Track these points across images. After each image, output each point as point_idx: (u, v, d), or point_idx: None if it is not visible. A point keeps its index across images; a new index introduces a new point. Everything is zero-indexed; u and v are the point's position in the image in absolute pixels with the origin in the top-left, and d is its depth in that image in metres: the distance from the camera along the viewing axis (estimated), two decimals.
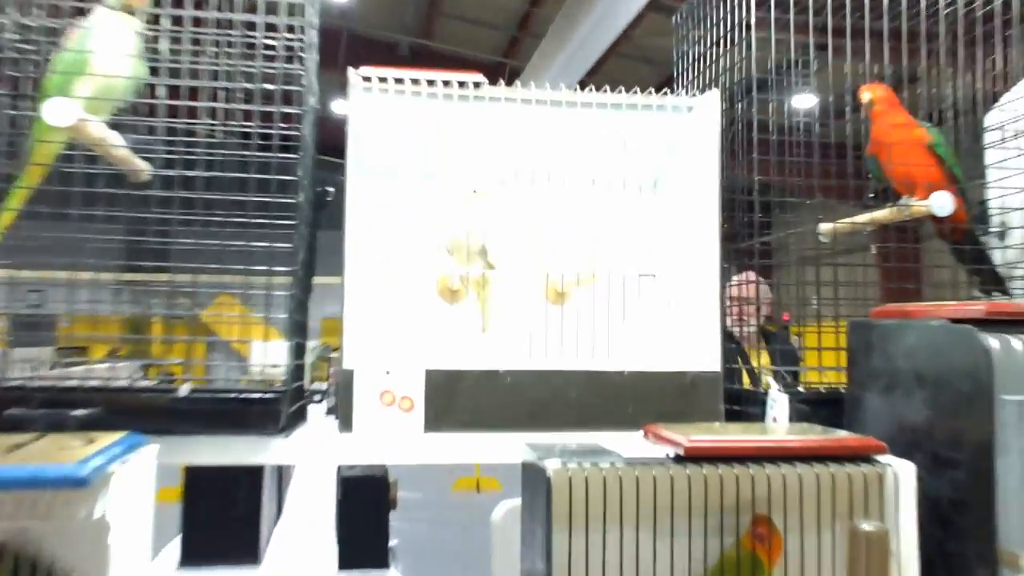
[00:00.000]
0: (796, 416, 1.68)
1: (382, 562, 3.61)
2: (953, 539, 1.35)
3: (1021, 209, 1.99)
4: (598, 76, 10.22)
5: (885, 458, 1.37)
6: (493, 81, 1.80)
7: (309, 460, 1.61)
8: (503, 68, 14.13)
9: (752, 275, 2.10)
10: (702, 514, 1.40)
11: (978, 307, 1.38)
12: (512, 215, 1.75)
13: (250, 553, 3.48)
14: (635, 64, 12.48)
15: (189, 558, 3.30)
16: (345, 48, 14.23)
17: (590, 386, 1.68)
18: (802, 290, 2.02)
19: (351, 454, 1.60)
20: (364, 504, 3.63)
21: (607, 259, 1.76)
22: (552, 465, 1.31)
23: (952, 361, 1.37)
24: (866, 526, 1.28)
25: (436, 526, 7.31)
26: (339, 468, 3.72)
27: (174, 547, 3.30)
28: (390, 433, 1.60)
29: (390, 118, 1.70)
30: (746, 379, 2.09)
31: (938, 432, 1.40)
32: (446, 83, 1.73)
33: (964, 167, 2.07)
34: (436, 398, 1.63)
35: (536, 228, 1.76)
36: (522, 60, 12.96)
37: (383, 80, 1.70)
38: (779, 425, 1.64)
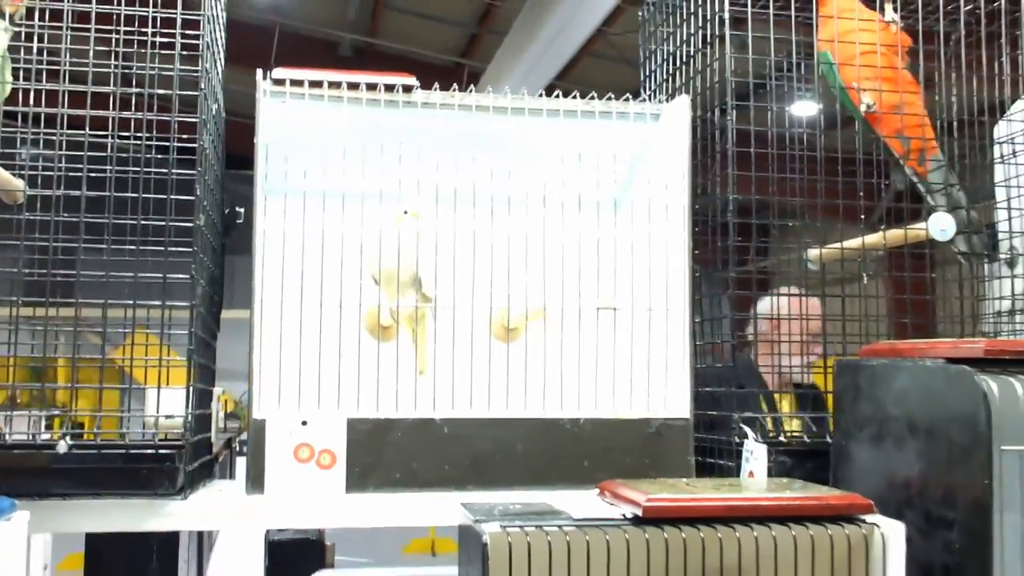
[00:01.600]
0: (776, 470, 1.71)
1: None
2: None
3: None
4: (569, 79, 10.31)
5: (872, 518, 1.40)
6: (449, 85, 1.82)
7: (209, 526, 1.60)
8: (461, 70, 14.19)
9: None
10: None
11: (976, 345, 1.41)
12: (452, 239, 1.76)
13: None
14: (612, 65, 12.56)
15: None
16: (277, 48, 14.21)
17: (541, 437, 1.69)
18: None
19: (259, 519, 1.60)
20: (295, 572, 3.65)
21: (562, 290, 1.78)
22: (490, 529, 1.32)
23: (947, 406, 1.40)
24: None
25: None
26: (267, 531, 3.74)
27: None
28: (307, 494, 1.60)
29: (306, 127, 1.71)
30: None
31: (931, 487, 1.42)
32: (372, 87, 1.75)
33: (970, 185, 2.13)
34: (360, 452, 1.63)
35: (480, 254, 1.77)
36: (483, 61, 13.03)
37: (298, 83, 1.71)
38: (755, 481, 1.66)
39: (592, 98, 1.83)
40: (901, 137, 1.99)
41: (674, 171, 1.81)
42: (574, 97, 1.81)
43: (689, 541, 1.36)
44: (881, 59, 1.96)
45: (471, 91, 1.83)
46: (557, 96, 1.82)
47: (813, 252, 2.11)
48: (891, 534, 1.38)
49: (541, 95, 1.86)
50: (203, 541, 4.60)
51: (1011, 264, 2.12)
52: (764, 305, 2.55)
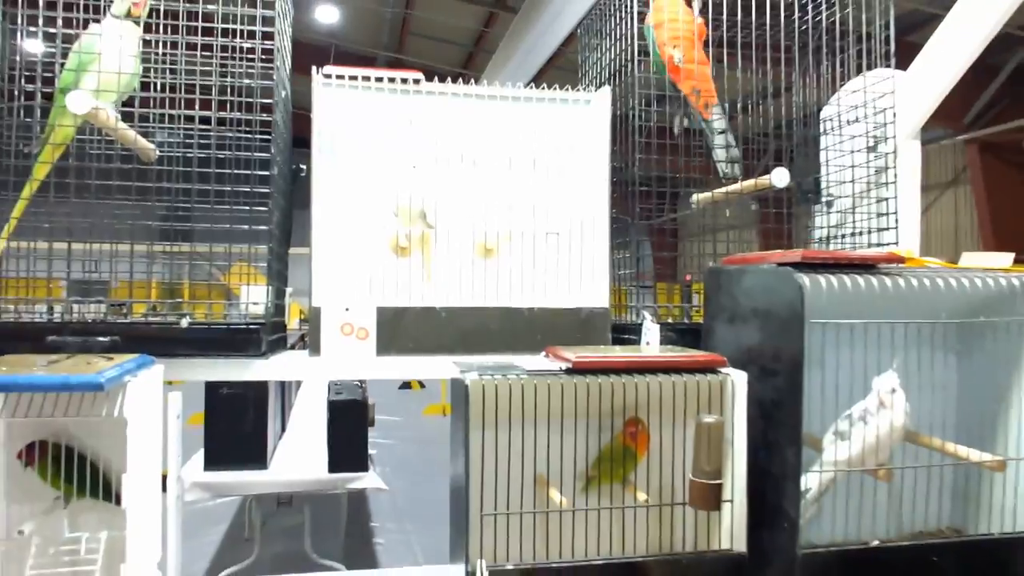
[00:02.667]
0: (664, 341, 1.76)
1: (362, 467, 3.71)
2: (772, 429, 1.43)
3: (846, 182, 2.08)
4: (539, 83, 10.18)
5: (726, 370, 1.46)
6: None
7: (285, 377, 1.64)
8: (464, 78, 14.03)
9: None
10: (587, 415, 1.48)
11: (796, 254, 1.45)
12: (447, 187, 1.79)
13: (259, 459, 3.55)
14: (569, 75, 12.45)
15: (211, 463, 3.38)
16: (333, 60, 14.00)
17: (507, 319, 1.74)
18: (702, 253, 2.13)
19: (317, 373, 1.64)
20: (348, 422, 3.72)
21: (523, 222, 1.82)
22: (470, 377, 1.37)
23: (776, 296, 1.45)
24: (707, 418, 1.36)
25: (408, 442, 7.43)
26: (329, 393, 3.80)
27: (200, 456, 3.37)
28: (349, 356, 1.65)
29: (347, 108, 1.72)
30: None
31: (765, 350, 1.48)
32: (391, 80, 1.76)
33: (808, 153, 2.16)
34: (386, 329, 1.68)
35: (466, 198, 1.80)
36: (478, 71, 12.88)
37: (341, 77, 1.73)
38: (650, 347, 1.72)
39: (544, 88, 1.85)
40: (696, 92, 1.99)
41: (600, 140, 1.84)
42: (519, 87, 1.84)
43: (604, 385, 1.42)
44: (685, 30, 1.95)
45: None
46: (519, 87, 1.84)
47: (694, 197, 2.14)
48: (738, 380, 1.44)
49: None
50: (285, 402, 4.67)
51: (829, 205, 2.16)
52: None
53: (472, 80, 1.87)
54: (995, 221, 11.18)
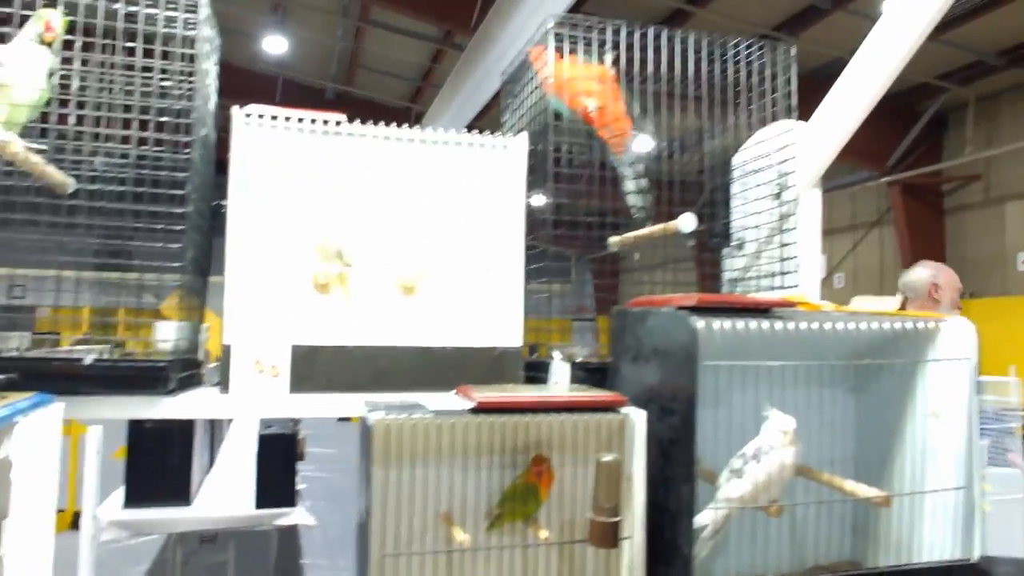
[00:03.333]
0: (575, 380, 1.80)
1: (291, 502, 3.65)
2: (669, 466, 1.47)
3: (753, 228, 2.16)
4: (484, 120, 10.30)
5: (627, 409, 1.50)
6: (402, 123, 1.85)
7: (189, 415, 1.62)
8: (410, 111, 14.08)
9: None
10: (491, 453, 1.50)
11: (693, 298, 1.51)
12: (366, 225, 1.80)
13: (182, 495, 3.46)
14: None
15: (132, 499, 3.28)
16: (281, 91, 13.95)
17: (421, 358, 1.76)
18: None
19: (225, 411, 1.63)
20: (277, 456, 3.65)
21: (440, 262, 1.84)
22: (374, 416, 1.38)
23: (673, 338, 1.49)
24: (605, 457, 1.39)
25: (344, 475, 7.31)
26: (260, 427, 3.74)
27: (120, 493, 3.27)
28: (260, 394, 1.64)
29: (267, 146, 1.73)
30: None
31: (664, 389, 1.52)
32: (312, 121, 1.78)
33: (719, 199, 2.24)
34: (299, 367, 1.68)
35: (386, 237, 1.82)
36: (425, 105, 12.96)
37: (262, 116, 1.74)
38: (558, 386, 1.75)
39: (465, 132, 1.89)
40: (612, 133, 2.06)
41: (516, 183, 1.88)
42: (440, 131, 1.87)
43: (507, 424, 1.44)
44: (599, 85, 2.02)
45: (404, 127, 1.85)
46: (442, 131, 1.88)
47: (613, 239, 2.20)
48: (638, 419, 1.48)
49: (466, 130, 1.90)
50: (215, 435, 4.57)
51: (739, 248, 2.24)
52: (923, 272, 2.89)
53: (418, 114, 1.90)
54: (916, 258, 11.58)
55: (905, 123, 11.51)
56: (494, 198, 1.86)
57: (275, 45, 12.13)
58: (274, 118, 1.75)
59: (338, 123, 1.80)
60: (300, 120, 1.76)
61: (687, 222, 1.86)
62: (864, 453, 1.85)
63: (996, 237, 10.98)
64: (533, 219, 1.93)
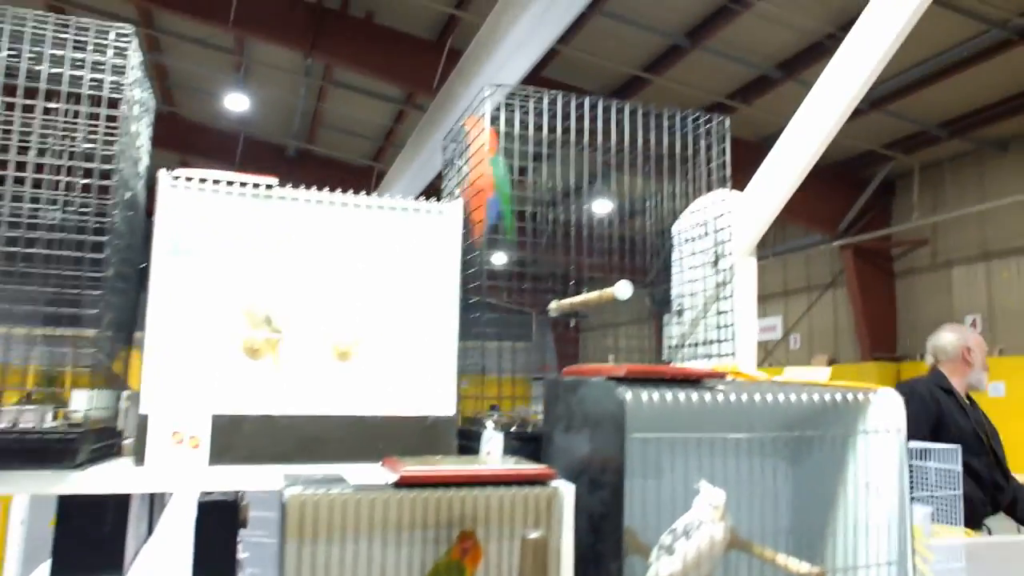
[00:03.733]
0: (509, 449, 1.76)
1: (230, 572, 3.49)
2: (599, 542, 1.43)
3: (690, 295, 2.17)
4: (442, 182, 10.35)
5: (556, 482, 1.46)
6: (365, 181, 1.83)
7: (99, 490, 1.54)
8: (372, 170, 14.15)
9: None
10: (414, 529, 1.44)
11: (622, 369, 1.49)
12: (297, 291, 1.77)
13: (115, 566, 3.29)
14: None
15: (59, 571, 3.10)
16: (242, 148, 13.95)
17: (349, 427, 1.71)
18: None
19: (140, 485, 1.56)
20: (216, 524, 3.50)
21: (371, 328, 1.81)
22: (290, 492, 1.33)
23: (602, 408, 1.47)
24: (531, 534, 1.36)
25: None
26: (199, 495, 3.60)
27: (47, 565, 3.10)
28: (177, 467, 1.57)
29: (195, 208, 1.70)
30: None
31: (594, 462, 1.49)
32: (243, 184, 1.75)
33: (659, 266, 2.25)
34: (220, 437, 1.61)
35: (317, 303, 1.78)
36: (387, 164, 13.04)
37: (190, 179, 1.71)
38: (490, 457, 1.70)
39: (401, 197, 1.88)
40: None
41: (451, 249, 1.86)
42: (416, 198, 1.86)
43: (430, 500, 1.40)
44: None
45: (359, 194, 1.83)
46: (377, 196, 1.86)
47: (553, 304, 2.19)
48: (566, 493, 1.44)
49: (424, 191, 1.88)
50: (153, 505, 4.40)
51: (679, 315, 2.24)
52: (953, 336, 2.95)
53: (380, 173, 1.89)
54: (868, 320, 11.85)
55: (855, 189, 11.86)
56: (428, 263, 1.84)
57: (237, 103, 12.15)
58: (203, 180, 1.72)
59: (269, 186, 1.78)
60: (230, 183, 1.73)
61: (623, 290, 1.85)
62: (801, 525, 1.83)
63: (944, 300, 11.25)
64: (491, 276, 1.91)
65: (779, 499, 1.82)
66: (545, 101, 1.93)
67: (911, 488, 1.65)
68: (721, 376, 1.54)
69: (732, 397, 1.49)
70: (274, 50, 10.70)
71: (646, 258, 2.24)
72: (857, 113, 9.42)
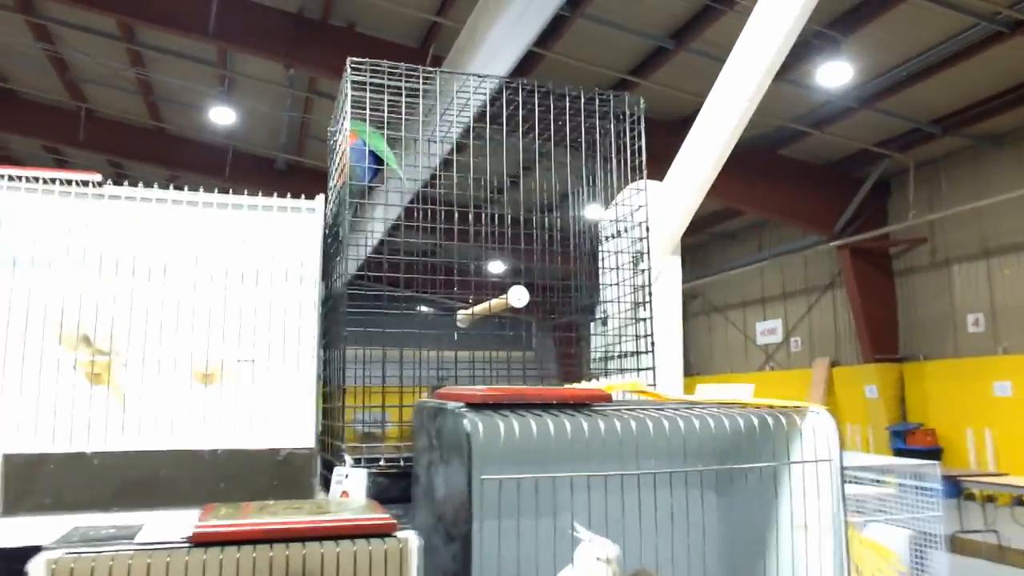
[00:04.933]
0: (375, 489, 1.47)
1: None
2: None
3: (611, 301, 1.88)
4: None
5: (403, 533, 1.18)
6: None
7: None
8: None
9: None
10: None
11: (478, 393, 1.21)
12: (128, 305, 1.50)
13: None
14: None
15: None
16: (231, 161, 13.75)
17: (182, 465, 1.43)
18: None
19: None
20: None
21: (215, 343, 1.53)
22: (51, 555, 1.06)
23: (454, 442, 1.19)
24: None
25: None
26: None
27: None
28: None
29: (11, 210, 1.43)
30: None
31: (448, 509, 1.21)
32: (65, 182, 1.48)
33: (581, 268, 1.97)
34: (15, 483, 1.34)
35: (154, 317, 1.51)
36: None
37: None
38: (332, 501, 1.42)
39: (259, 195, 1.61)
40: None
41: (311, 250, 1.59)
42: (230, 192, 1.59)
43: (227, 559, 1.11)
44: None
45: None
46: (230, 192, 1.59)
47: (460, 314, 1.91)
48: (412, 544, 1.16)
49: None
50: None
51: (604, 323, 1.96)
52: None
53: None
54: (868, 321, 11.53)
55: (849, 189, 11.54)
56: (285, 268, 1.57)
57: (222, 116, 11.95)
58: (11, 178, 1.45)
59: (99, 184, 1.51)
60: (47, 181, 1.47)
61: (517, 295, 1.57)
62: (731, 566, 1.54)
63: (945, 299, 10.89)
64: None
65: (707, 535, 1.53)
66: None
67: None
68: (606, 399, 1.25)
69: (616, 425, 1.21)
70: (257, 61, 10.49)
71: (566, 257, 1.96)
72: (848, 111, 9.12)
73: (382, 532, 1.17)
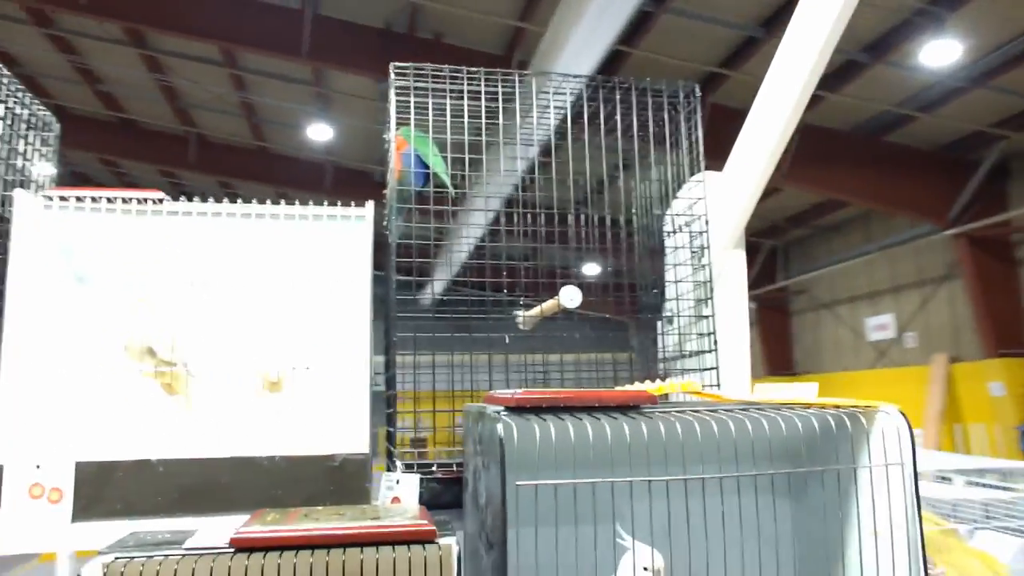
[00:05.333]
0: (427, 495, 1.46)
1: None
2: None
3: (675, 299, 1.81)
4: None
5: (444, 540, 1.16)
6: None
7: None
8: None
9: None
10: None
11: (515, 395, 1.17)
12: (190, 316, 1.54)
13: None
14: None
15: None
16: (331, 176, 14.21)
17: (241, 471, 1.46)
18: None
19: None
20: None
21: (273, 353, 1.55)
22: (104, 559, 1.09)
23: (490, 446, 1.16)
24: None
25: None
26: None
27: None
28: (32, 525, 1.36)
29: (62, 231, 1.50)
30: None
31: (489, 516, 1.18)
32: (125, 200, 1.54)
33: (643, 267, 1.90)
34: (85, 489, 1.40)
35: (216, 329, 1.55)
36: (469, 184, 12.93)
37: (64, 199, 1.51)
38: (387, 507, 1.41)
39: (311, 204, 1.63)
40: None
41: (362, 258, 1.60)
42: (282, 203, 1.62)
43: (267, 566, 1.12)
44: None
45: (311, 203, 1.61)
46: (282, 203, 1.62)
47: (518, 315, 1.89)
48: (452, 551, 1.14)
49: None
50: None
51: (669, 322, 1.89)
52: None
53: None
54: (990, 313, 10.80)
55: (962, 174, 10.84)
56: (338, 276, 1.58)
57: (320, 133, 12.37)
58: (80, 200, 1.52)
59: (159, 201, 1.56)
60: (110, 200, 1.53)
61: (568, 296, 1.53)
62: (806, 571, 1.44)
63: None
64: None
65: (781, 544, 1.44)
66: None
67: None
68: (651, 400, 1.20)
69: (661, 428, 1.15)
70: (349, 77, 10.80)
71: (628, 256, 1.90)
72: (958, 92, 8.54)
73: (423, 539, 1.15)
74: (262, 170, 13.20)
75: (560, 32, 7.70)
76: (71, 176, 13.96)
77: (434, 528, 1.15)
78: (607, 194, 1.97)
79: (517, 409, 1.15)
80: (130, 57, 10.80)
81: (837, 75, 9.46)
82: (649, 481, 1.11)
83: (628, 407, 1.19)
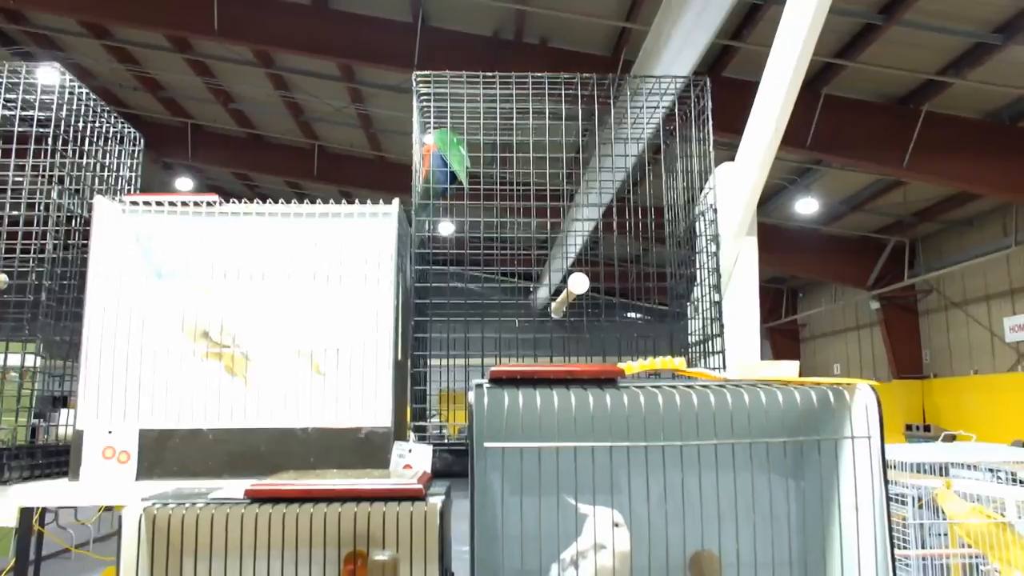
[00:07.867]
0: (440, 464, 1.59)
1: None
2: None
3: (697, 285, 1.86)
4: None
5: (433, 499, 1.29)
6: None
7: (31, 504, 1.59)
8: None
9: None
10: (283, 547, 1.33)
11: (508, 368, 1.28)
12: (240, 304, 1.74)
13: None
14: None
15: None
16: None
17: (278, 441, 1.64)
18: None
19: (72, 499, 1.59)
20: None
21: (305, 337, 1.72)
22: (145, 505, 1.29)
23: (470, 414, 1.28)
24: (378, 555, 1.20)
25: None
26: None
27: None
28: (107, 482, 1.59)
29: (133, 230, 1.73)
30: None
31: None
32: (184, 204, 1.76)
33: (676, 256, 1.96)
34: (148, 452, 1.62)
35: (256, 315, 1.73)
36: (574, 184, 13.00)
37: (135, 203, 1.75)
38: (393, 472, 1.54)
39: (346, 203, 1.80)
40: None
41: (386, 249, 1.74)
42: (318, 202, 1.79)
43: (274, 515, 1.28)
44: None
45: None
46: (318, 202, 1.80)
47: (553, 306, 1.99)
48: (437, 508, 1.27)
49: None
50: None
51: (695, 308, 1.94)
52: None
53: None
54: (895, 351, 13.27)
55: (874, 253, 10.69)
56: (364, 266, 1.73)
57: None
58: (147, 204, 1.75)
59: (212, 203, 1.77)
60: (172, 204, 1.75)
61: (576, 281, 1.63)
62: (807, 552, 1.47)
63: None
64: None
65: (784, 520, 1.49)
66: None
67: None
68: (619, 373, 1.27)
69: (640, 399, 1.23)
70: None
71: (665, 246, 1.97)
72: None
73: (411, 496, 1.28)
74: (379, 178, 13.78)
75: (662, 32, 7.69)
76: (206, 189, 15.08)
77: (422, 488, 1.28)
78: (649, 187, 2.04)
79: (498, 380, 1.26)
80: (258, 77, 11.57)
81: (963, 59, 8.91)
82: (610, 447, 1.20)
83: (600, 380, 1.28)
